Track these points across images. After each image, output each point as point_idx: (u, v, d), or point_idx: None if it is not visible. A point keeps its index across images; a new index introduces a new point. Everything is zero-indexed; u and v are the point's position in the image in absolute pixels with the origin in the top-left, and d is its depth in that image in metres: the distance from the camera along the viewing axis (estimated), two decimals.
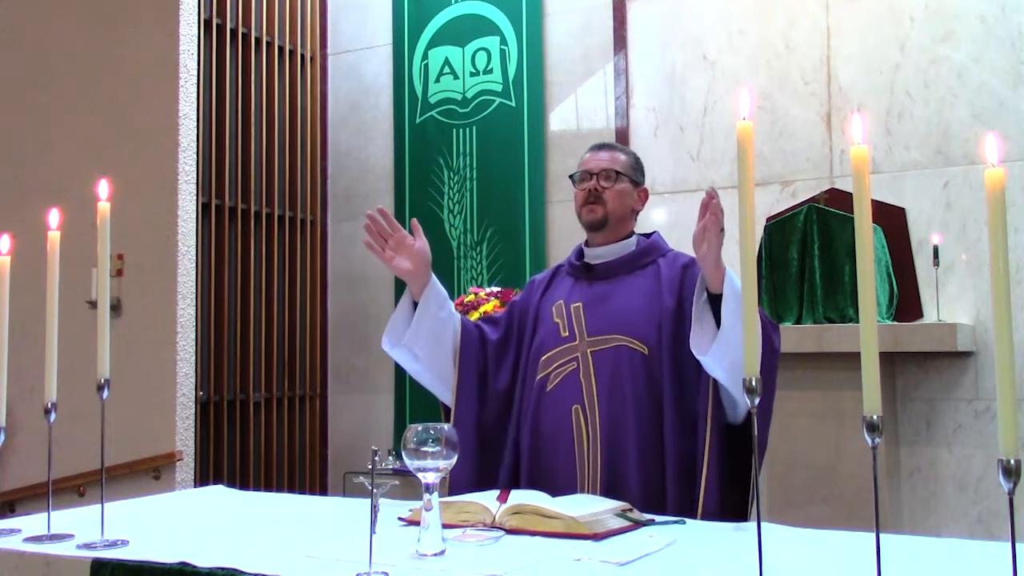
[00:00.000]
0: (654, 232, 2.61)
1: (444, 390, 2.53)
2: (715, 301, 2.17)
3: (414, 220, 2.50)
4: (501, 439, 2.48)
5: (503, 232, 5.16)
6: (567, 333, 2.44)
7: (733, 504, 2.30)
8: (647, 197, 2.60)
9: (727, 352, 2.10)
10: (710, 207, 2.14)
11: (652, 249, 2.52)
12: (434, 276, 2.46)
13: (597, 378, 2.37)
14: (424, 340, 2.43)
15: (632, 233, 2.56)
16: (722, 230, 2.15)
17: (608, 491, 2.26)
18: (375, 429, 5.45)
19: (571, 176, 2.57)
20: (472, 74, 5.30)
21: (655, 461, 2.31)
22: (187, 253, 4.57)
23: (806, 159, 4.45)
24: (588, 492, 2.29)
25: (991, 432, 4.00)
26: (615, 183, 2.49)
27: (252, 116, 5.23)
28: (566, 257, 2.63)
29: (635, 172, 2.55)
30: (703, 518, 2.18)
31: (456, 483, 2.35)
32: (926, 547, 1.85)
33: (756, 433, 1.56)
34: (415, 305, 2.45)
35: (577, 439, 2.35)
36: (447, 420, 2.50)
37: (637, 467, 2.30)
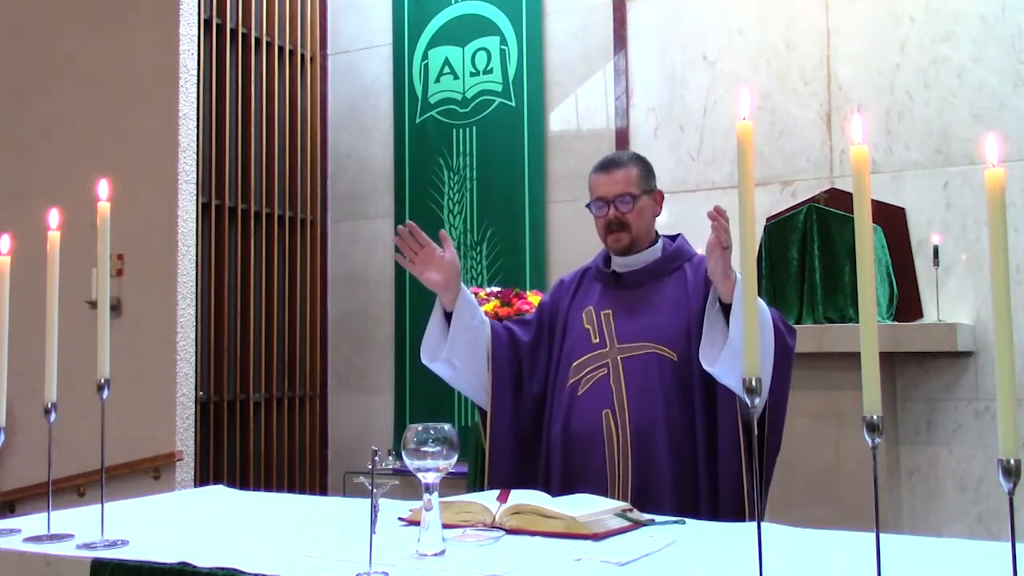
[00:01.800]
0: (679, 235, 2.59)
1: (480, 394, 2.55)
2: (728, 310, 2.18)
3: (443, 232, 2.52)
4: (538, 439, 2.51)
5: (503, 232, 5.16)
6: (598, 340, 2.46)
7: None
8: (663, 198, 2.56)
9: (736, 362, 2.09)
10: (713, 227, 2.12)
11: (678, 254, 2.51)
12: (463, 285, 2.49)
13: (627, 383, 2.39)
14: (460, 349, 2.46)
15: (657, 238, 2.54)
16: (727, 248, 2.14)
17: (638, 494, 2.28)
18: (375, 429, 5.45)
19: (587, 205, 2.52)
20: (472, 74, 5.30)
21: (688, 464, 2.34)
22: (187, 253, 4.57)
23: (806, 159, 4.45)
24: (619, 495, 2.31)
25: (991, 432, 4.00)
26: (634, 204, 2.45)
27: (252, 116, 5.23)
28: (592, 260, 2.63)
29: (648, 180, 2.50)
30: (750, 519, 2.21)
31: (497, 484, 2.37)
32: (926, 547, 1.85)
33: (756, 432, 1.56)
34: (446, 315, 2.47)
35: (607, 442, 2.37)
36: (484, 423, 2.53)
37: (670, 470, 2.33)
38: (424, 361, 2.50)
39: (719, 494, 2.29)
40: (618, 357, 2.42)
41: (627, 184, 2.45)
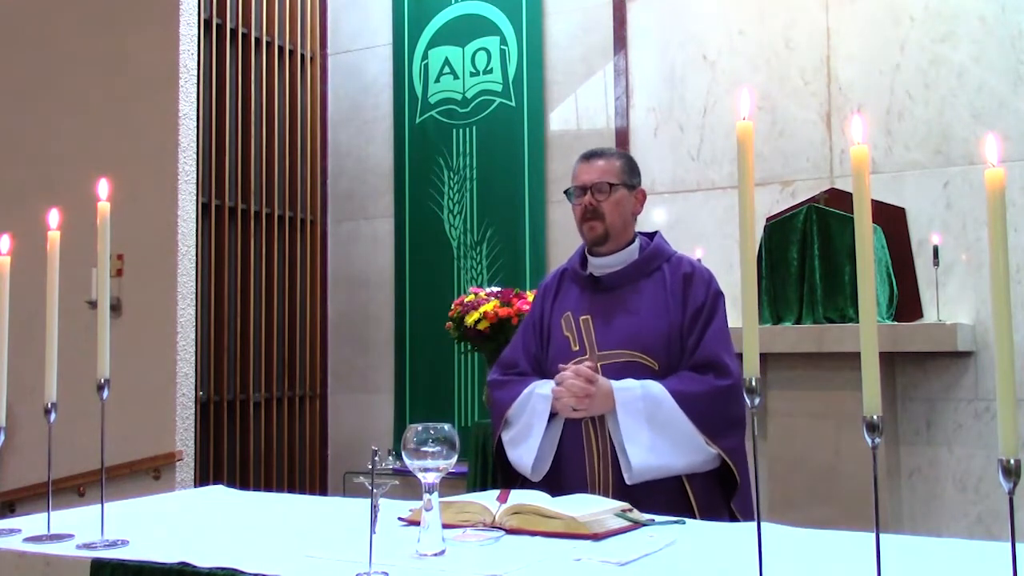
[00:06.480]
0: (656, 232, 2.57)
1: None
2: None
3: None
4: None
5: (503, 232, 5.16)
6: (577, 347, 2.43)
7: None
8: (645, 198, 2.55)
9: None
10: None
11: (657, 254, 2.48)
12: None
13: None
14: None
15: (635, 237, 2.52)
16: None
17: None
18: (375, 429, 5.45)
19: (566, 191, 2.51)
20: (472, 74, 5.30)
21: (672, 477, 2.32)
22: (187, 253, 4.57)
23: (806, 159, 4.45)
24: None
25: (991, 432, 4.00)
26: (611, 194, 2.43)
27: (252, 116, 5.23)
28: (569, 260, 2.60)
29: (630, 176, 2.49)
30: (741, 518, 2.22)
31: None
32: (926, 547, 1.85)
33: (756, 432, 1.56)
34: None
35: (587, 451, 2.36)
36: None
37: (654, 482, 2.30)
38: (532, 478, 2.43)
39: (713, 500, 2.29)
40: (598, 365, 2.38)
41: (605, 173, 2.45)
